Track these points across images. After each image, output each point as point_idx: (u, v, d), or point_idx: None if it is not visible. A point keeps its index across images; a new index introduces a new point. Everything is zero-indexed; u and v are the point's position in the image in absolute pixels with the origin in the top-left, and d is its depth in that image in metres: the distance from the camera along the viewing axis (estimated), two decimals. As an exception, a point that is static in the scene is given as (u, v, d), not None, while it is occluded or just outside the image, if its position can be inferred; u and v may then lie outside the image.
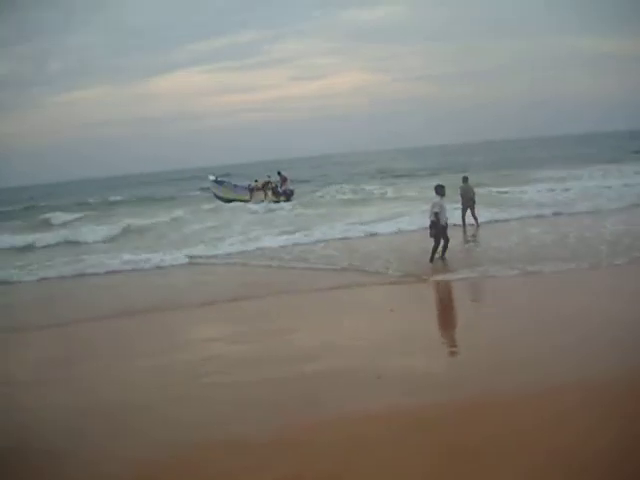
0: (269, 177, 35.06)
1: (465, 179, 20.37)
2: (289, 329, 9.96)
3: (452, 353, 8.49)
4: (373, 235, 19.12)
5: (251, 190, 34.74)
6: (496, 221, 20.33)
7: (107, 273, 16.20)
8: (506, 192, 29.32)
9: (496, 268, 12.85)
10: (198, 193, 38.96)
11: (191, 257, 17.20)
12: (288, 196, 33.47)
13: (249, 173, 47.84)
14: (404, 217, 21.62)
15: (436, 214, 14.24)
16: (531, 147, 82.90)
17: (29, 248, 22.82)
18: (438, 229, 14.27)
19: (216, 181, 36.93)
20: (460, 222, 19.25)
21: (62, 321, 11.61)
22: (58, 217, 34.09)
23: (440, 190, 14.53)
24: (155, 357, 9.06)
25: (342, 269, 14.15)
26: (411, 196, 31.27)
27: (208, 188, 38.14)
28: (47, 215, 35.16)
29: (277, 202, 32.63)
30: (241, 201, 33.38)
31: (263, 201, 33.07)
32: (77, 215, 34.61)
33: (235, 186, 36.05)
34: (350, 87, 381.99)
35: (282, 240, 18.91)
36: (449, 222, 15.11)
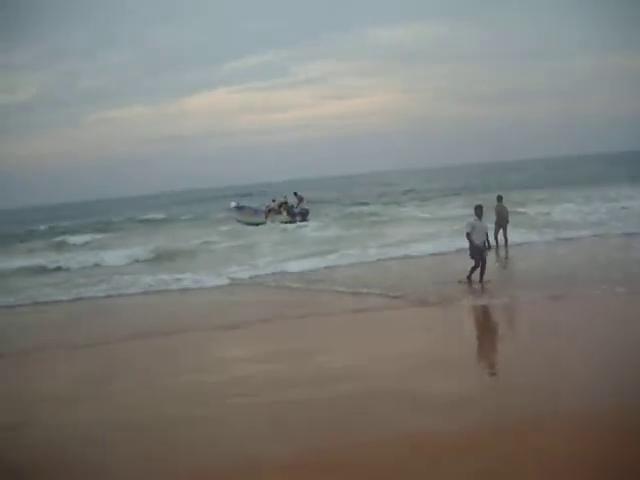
0: (285, 198, 35.51)
1: (499, 198, 20.24)
2: (320, 350, 10.01)
3: (484, 375, 8.46)
4: (404, 257, 18.92)
5: (268, 211, 35.26)
6: (527, 242, 20.07)
7: (139, 294, 16.38)
8: (538, 212, 29.04)
9: (525, 291, 12.75)
10: (225, 214, 39.74)
11: (228, 278, 17.35)
12: (304, 216, 33.92)
13: (276, 191, 48.07)
14: (434, 238, 21.53)
15: (467, 234, 14.27)
16: (561, 166, 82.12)
17: (60, 268, 23.07)
18: (473, 250, 14.24)
19: (237, 207, 38.21)
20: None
21: (97, 340, 11.81)
22: (86, 237, 35.08)
23: (476, 211, 14.47)
24: (184, 376, 9.19)
25: (371, 291, 14.08)
26: (442, 216, 31.12)
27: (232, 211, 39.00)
28: (74, 237, 35.79)
29: (293, 222, 33.08)
30: (259, 224, 33.81)
31: (281, 222, 33.38)
32: (108, 234, 35.22)
33: (255, 211, 36.71)
34: (379, 107, 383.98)
35: (312, 262, 18.84)
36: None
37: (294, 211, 34.13)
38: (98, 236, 35.50)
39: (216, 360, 10.16)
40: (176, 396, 8.35)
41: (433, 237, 21.98)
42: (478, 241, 14.26)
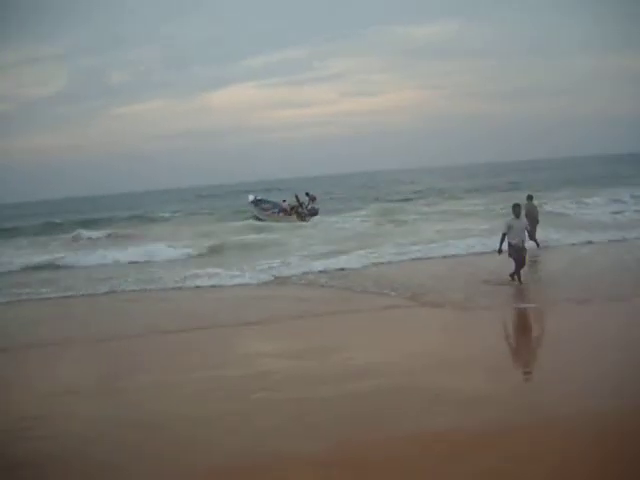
0: (297, 199, 35.49)
1: (530, 197, 19.95)
2: (345, 347, 10.09)
3: (507, 375, 8.40)
4: (433, 257, 18.64)
5: (280, 211, 35.69)
6: (557, 242, 19.90)
7: (171, 289, 16.41)
8: (562, 212, 28.84)
9: (557, 293, 12.74)
10: (246, 208, 39.61)
11: (259, 273, 17.42)
12: (313, 215, 34.27)
13: (297, 188, 47.97)
14: (463, 237, 21.25)
15: (503, 234, 14.05)
16: (585, 165, 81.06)
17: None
18: (511, 250, 14.02)
19: (254, 201, 38.11)
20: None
21: (124, 334, 11.96)
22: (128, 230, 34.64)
23: (514, 209, 14.21)
24: (210, 371, 9.27)
25: (395, 291, 14.00)
26: (464, 212, 31.08)
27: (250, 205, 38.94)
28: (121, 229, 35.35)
29: (303, 221, 33.42)
30: (273, 222, 33.98)
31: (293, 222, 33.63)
32: (130, 230, 34.70)
33: (274, 205, 36.97)
34: (401, 104, 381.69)
35: (341, 259, 18.68)
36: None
37: (304, 212, 34.46)
38: (126, 230, 34.92)
39: (243, 356, 10.18)
40: (202, 392, 8.34)
41: (462, 236, 21.61)
42: (515, 240, 13.99)
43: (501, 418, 6.68)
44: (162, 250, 23.79)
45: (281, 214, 35.28)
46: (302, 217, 34.07)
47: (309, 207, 34.86)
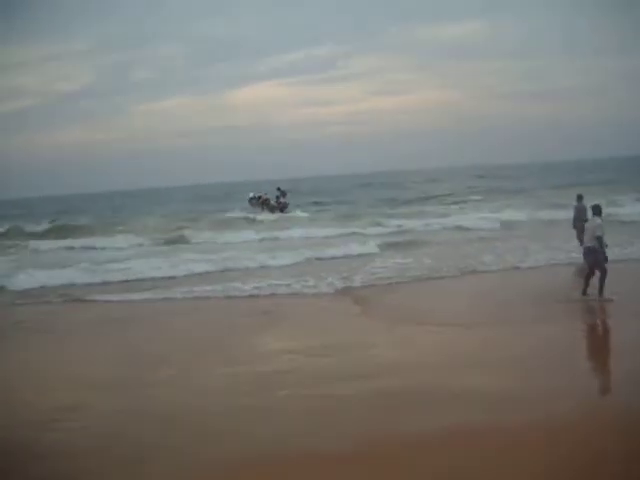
0: (266, 194, 39.60)
1: (580, 197, 18.62)
2: (368, 344, 10.07)
3: (530, 375, 8.11)
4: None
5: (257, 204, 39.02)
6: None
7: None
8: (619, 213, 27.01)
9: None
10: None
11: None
12: (282, 209, 37.91)
13: (320, 187, 47.13)
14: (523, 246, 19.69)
15: (599, 238, 12.48)
16: (608, 168, 78.22)
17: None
18: (597, 257, 12.48)
19: (251, 198, 40.11)
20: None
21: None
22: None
23: (598, 210, 12.88)
24: (235, 367, 9.33)
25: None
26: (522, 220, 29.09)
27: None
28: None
29: (271, 213, 37.25)
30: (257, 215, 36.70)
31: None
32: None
33: (257, 200, 39.53)
34: (426, 104, 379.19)
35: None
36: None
37: (271, 204, 38.27)
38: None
39: (264, 352, 10.20)
40: (224, 386, 8.52)
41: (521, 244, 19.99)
42: (589, 243, 12.64)
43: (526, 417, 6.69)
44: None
45: (257, 208, 38.64)
46: (271, 210, 37.79)
47: (279, 201, 38.37)
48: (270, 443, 6.53)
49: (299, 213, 37.96)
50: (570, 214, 18.79)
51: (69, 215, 48.99)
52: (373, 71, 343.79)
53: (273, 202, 38.68)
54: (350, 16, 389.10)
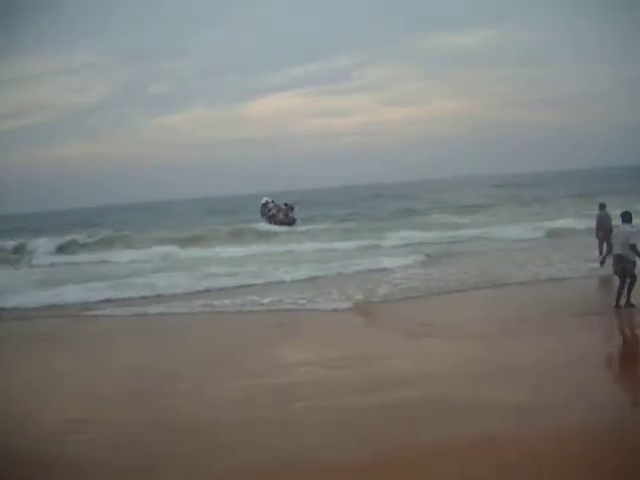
0: (273, 201, 40.21)
1: (602, 206, 18.35)
2: (384, 355, 10.04)
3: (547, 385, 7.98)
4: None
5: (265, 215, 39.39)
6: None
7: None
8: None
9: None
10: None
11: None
12: (289, 223, 37.72)
13: (330, 198, 46.98)
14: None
15: (633, 247, 12.08)
16: (622, 177, 77.23)
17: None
18: (627, 265, 12.19)
19: (263, 204, 40.37)
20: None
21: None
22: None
23: (629, 217, 12.53)
24: (249, 379, 9.29)
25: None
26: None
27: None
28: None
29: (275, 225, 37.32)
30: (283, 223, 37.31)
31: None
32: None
33: (276, 209, 39.52)
34: (440, 113, 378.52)
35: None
36: None
37: (277, 219, 38.25)
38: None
39: (280, 364, 10.20)
40: (239, 398, 8.51)
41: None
42: (619, 250, 12.28)
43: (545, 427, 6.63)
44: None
45: (265, 218, 39.21)
46: (276, 224, 37.49)
47: (291, 215, 38.71)
48: (287, 454, 6.50)
49: (314, 225, 37.51)
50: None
51: (82, 228, 48.38)
52: (387, 81, 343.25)
53: (282, 216, 38.61)
54: (365, 27, 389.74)
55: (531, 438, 6.38)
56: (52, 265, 27.01)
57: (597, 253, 17.14)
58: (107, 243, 33.85)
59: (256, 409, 8.02)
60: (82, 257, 28.88)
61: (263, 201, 40.58)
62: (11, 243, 34.54)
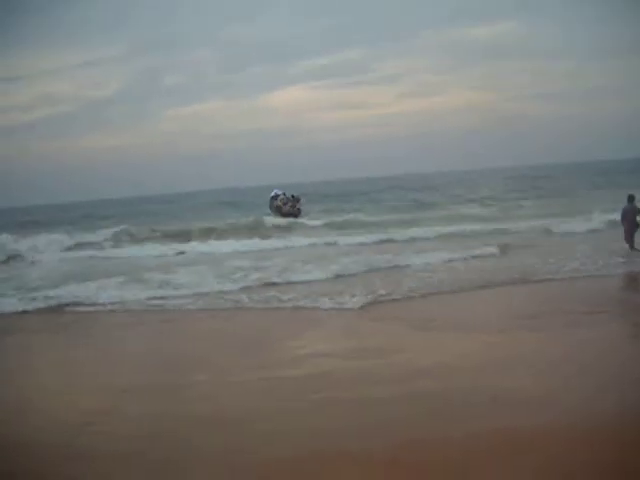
0: (284, 193, 40.46)
1: (631, 198, 18.17)
2: (403, 348, 10.02)
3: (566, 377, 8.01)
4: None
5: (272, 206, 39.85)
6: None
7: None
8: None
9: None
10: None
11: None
12: (295, 215, 38.34)
13: (354, 190, 46.84)
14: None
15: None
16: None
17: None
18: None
19: (273, 196, 40.64)
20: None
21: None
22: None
23: None
24: (267, 371, 9.32)
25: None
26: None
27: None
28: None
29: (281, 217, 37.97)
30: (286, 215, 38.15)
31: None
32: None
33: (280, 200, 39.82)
34: (459, 105, 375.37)
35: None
36: None
37: (283, 211, 38.80)
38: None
39: (298, 355, 10.12)
40: (257, 389, 8.50)
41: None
42: None
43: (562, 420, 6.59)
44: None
45: (272, 211, 39.70)
46: (283, 216, 37.91)
47: (297, 207, 39.18)
48: (306, 443, 6.53)
49: (330, 218, 36.67)
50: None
51: (99, 220, 48.28)
52: (406, 73, 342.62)
53: (288, 207, 38.94)
54: (383, 19, 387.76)
55: (553, 430, 6.31)
56: (70, 259, 27.04)
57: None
58: (125, 237, 33.91)
59: (275, 401, 8.00)
60: (105, 252, 28.90)
61: (272, 194, 40.56)
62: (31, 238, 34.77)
